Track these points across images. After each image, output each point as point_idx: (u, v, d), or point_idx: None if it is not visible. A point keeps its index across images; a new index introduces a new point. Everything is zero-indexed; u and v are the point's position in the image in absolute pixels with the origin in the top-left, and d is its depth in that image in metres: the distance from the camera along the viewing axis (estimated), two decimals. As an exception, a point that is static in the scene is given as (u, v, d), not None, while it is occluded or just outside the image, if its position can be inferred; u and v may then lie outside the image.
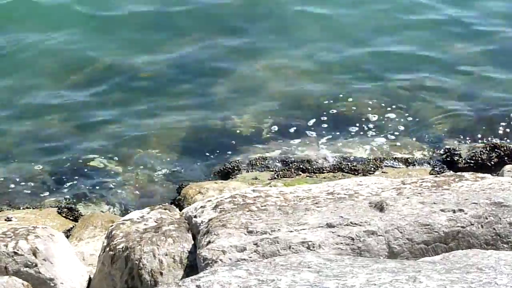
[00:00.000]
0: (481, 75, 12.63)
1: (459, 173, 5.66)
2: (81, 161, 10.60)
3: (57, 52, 13.76)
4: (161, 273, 4.95)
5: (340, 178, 8.79)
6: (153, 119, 11.59)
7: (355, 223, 4.59)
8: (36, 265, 5.15)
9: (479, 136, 10.82)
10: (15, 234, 5.35)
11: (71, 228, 8.58)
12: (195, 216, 5.33)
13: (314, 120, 11.33)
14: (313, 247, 4.43)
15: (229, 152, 10.68)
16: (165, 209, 5.75)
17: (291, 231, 4.57)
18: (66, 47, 13.92)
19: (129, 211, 6.17)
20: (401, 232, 4.52)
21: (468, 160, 9.86)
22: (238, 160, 10.41)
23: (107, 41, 14.13)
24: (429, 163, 10.08)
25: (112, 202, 9.81)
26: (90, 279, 5.64)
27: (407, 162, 10.08)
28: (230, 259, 4.43)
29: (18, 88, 12.58)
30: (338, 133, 11.02)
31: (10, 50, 13.92)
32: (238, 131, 11.17)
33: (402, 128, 11.14)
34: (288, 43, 13.90)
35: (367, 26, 14.30)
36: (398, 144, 10.74)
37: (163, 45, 13.98)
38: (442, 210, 4.66)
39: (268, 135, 11.04)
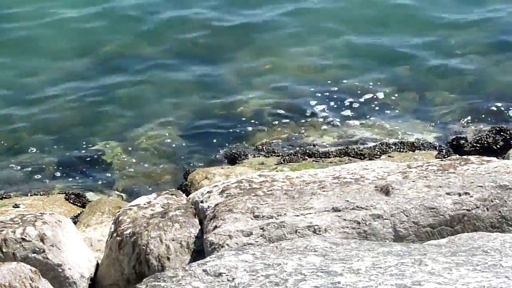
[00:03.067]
0: (487, 59, 12.60)
1: (465, 157, 5.67)
2: (88, 147, 10.63)
3: (65, 40, 13.79)
4: (168, 258, 4.97)
5: (346, 163, 8.81)
6: (159, 106, 11.61)
7: (361, 207, 4.61)
8: (44, 251, 5.17)
9: (485, 119, 10.81)
10: (22, 220, 5.37)
11: (79, 214, 8.61)
12: (201, 201, 5.35)
13: (320, 104, 11.33)
14: (319, 231, 4.44)
15: (236, 138, 10.69)
16: (171, 194, 5.77)
17: (297, 216, 4.58)
18: (73, 37, 13.97)
19: (136, 197, 6.18)
20: (406, 216, 4.53)
21: (474, 144, 9.85)
22: (244, 146, 10.43)
23: (114, 29, 14.14)
24: (435, 147, 10.07)
25: (119, 188, 9.85)
26: (97, 265, 5.67)
27: (413, 146, 10.07)
28: (236, 243, 4.45)
29: (26, 76, 12.61)
30: (344, 117, 11.02)
31: (19, 36, 13.99)
32: (244, 117, 11.17)
33: (408, 112, 11.14)
34: (295, 28, 13.88)
35: (374, 16, 14.23)
36: (404, 128, 10.74)
37: (167, 31, 13.99)
38: (447, 194, 4.66)
39: (274, 120, 11.04)
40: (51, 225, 5.32)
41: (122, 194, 9.68)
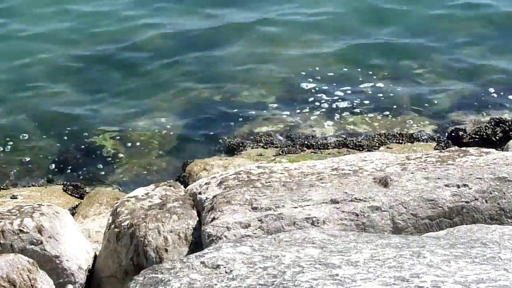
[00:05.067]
0: (486, 50, 12.59)
1: (463, 148, 5.65)
2: (86, 139, 10.62)
3: (64, 31, 13.77)
4: (166, 250, 4.96)
5: (344, 154, 8.80)
6: (157, 97, 11.60)
7: (360, 199, 4.59)
8: (41, 243, 5.16)
9: (484, 111, 10.80)
10: (20, 211, 5.35)
11: (77, 205, 8.61)
12: (199, 193, 5.33)
13: (319, 96, 11.31)
14: (318, 223, 4.43)
15: (234, 129, 10.68)
16: (169, 186, 5.76)
17: (296, 207, 4.57)
18: (71, 21, 13.96)
19: (134, 188, 6.17)
20: (405, 208, 4.52)
21: (473, 135, 9.85)
22: (243, 137, 10.42)
23: (112, 21, 14.11)
24: (434, 139, 10.07)
25: (117, 179, 9.84)
26: (95, 256, 5.66)
27: (412, 138, 10.07)
28: (234, 235, 4.44)
29: (23, 66, 12.59)
30: (343, 109, 11.01)
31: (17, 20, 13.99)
32: (243, 108, 11.16)
33: (407, 104, 11.13)
34: (293, 18, 13.86)
35: (375, 10, 14.20)
36: (403, 119, 10.73)
37: (167, 19, 13.96)
38: (446, 185, 4.65)
39: (273, 112, 11.04)
40: (48, 216, 5.31)
41: (120, 185, 9.67)
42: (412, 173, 4.92)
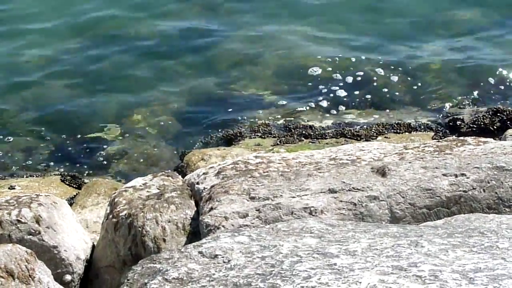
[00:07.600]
0: (483, 39, 12.58)
1: (461, 138, 5.65)
2: (84, 129, 10.61)
3: (61, 20, 13.74)
4: (164, 240, 4.97)
5: (342, 144, 8.80)
6: (156, 87, 11.59)
7: (357, 188, 4.60)
8: (39, 233, 5.16)
9: (482, 100, 10.80)
10: (18, 202, 5.35)
11: (75, 195, 8.60)
12: (197, 183, 5.34)
13: (316, 86, 11.30)
14: (315, 212, 4.43)
15: (232, 119, 10.67)
16: (167, 176, 5.76)
17: (293, 197, 4.57)
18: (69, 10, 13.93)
19: (132, 178, 6.17)
20: (403, 197, 4.53)
21: (471, 125, 9.85)
22: (240, 127, 10.41)
23: (111, 12, 14.07)
24: (431, 128, 10.07)
25: (115, 169, 9.83)
26: (93, 247, 5.66)
27: (409, 127, 10.07)
28: (232, 225, 4.44)
29: (21, 57, 12.57)
30: (341, 98, 11.00)
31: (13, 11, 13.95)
32: (240, 98, 11.15)
33: (405, 93, 11.12)
34: (290, 10, 13.84)
35: (372, 1, 14.16)
36: (401, 109, 10.72)
37: (168, 12, 13.93)
38: (444, 175, 4.65)
39: (270, 102, 11.03)
40: (46, 206, 5.31)
41: (118, 175, 9.67)
42: (410, 162, 4.92)
